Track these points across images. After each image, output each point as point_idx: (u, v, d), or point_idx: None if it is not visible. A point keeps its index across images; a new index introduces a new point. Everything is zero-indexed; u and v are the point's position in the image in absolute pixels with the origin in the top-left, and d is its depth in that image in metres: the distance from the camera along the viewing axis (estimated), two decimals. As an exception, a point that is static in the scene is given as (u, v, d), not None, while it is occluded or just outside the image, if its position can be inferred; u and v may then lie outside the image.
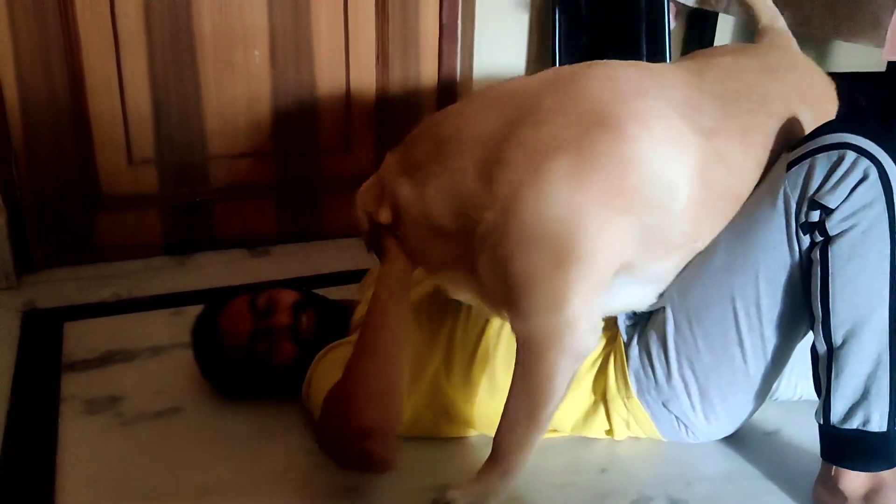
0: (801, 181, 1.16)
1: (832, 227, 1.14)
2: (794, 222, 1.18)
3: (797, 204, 1.17)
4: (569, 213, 1.09)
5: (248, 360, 1.46)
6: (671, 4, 2.37)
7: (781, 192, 1.18)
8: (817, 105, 1.37)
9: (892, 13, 1.70)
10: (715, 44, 2.51)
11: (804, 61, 1.47)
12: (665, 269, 1.28)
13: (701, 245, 1.26)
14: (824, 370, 1.19)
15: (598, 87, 1.18)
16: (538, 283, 1.11)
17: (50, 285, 2.02)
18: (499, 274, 1.13)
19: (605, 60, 1.27)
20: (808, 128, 1.28)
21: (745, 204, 1.25)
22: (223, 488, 1.32)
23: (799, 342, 1.30)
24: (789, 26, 1.56)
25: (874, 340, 1.15)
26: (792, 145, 1.21)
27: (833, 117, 1.40)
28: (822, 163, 1.14)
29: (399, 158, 1.24)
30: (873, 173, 1.12)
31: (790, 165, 1.18)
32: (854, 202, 1.13)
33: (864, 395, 1.16)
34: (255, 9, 2.09)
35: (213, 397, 1.55)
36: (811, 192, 1.15)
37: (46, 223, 2.08)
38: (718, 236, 1.25)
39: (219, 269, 2.14)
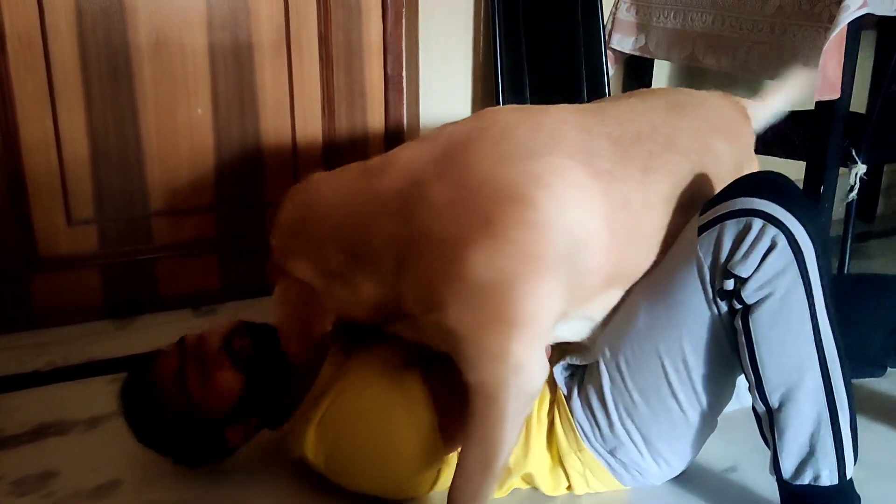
0: (711, 248, 1.15)
1: (748, 296, 1.13)
2: (711, 289, 1.17)
3: (710, 271, 1.16)
4: (496, 291, 1.12)
5: (185, 404, 1.29)
6: (609, 51, 2.43)
7: (695, 258, 1.17)
8: (734, 136, 1.39)
9: (820, 58, 1.77)
10: (651, 87, 2.59)
11: (714, 96, 1.48)
12: (595, 309, 1.29)
13: (626, 283, 1.28)
14: (768, 429, 1.21)
15: (488, 156, 1.17)
16: (481, 343, 1.14)
17: (-19, 356, 1.92)
18: (443, 340, 1.19)
19: (493, 111, 1.29)
20: (726, 161, 1.32)
21: (662, 264, 1.25)
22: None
23: (734, 384, 1.31)
24: (728, 69, 1.61)
25: (810, 401, 1.15)
26: (703, 207, 1.20)
27: (750, 151, 1.45)
28: (730, 230, 1.13)
29: (313, 261, 1.27)
30: (782, 240, 1.10)
31: (701, 230, 1.17)
32: (766, 271, 1.12)
33: (811, 453, 1.17)
34: (198, 62, 2.07)
35: (155, 469, 1.45)
36: (722, 260, 1.14)
37: (-22, 289, 1.99)
38: (639, 297, 1.25)
39: (162, 331, 2.05)
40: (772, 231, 1.10)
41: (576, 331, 1.32)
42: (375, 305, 1.23)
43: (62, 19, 1.91)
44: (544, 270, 1.13)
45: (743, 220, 1.12)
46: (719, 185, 1.25)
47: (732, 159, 1.36)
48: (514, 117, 1.25)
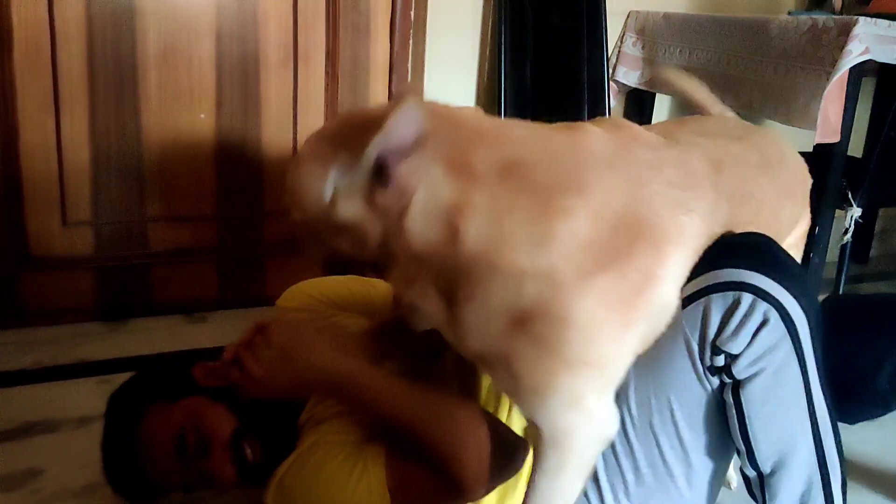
0: (698, 323, 1.08)
1: (739, 371, 1.08)
2: (700, 365, 1.11)
3: (699, 347, 1.10)
4: (587, 321, 0.98)
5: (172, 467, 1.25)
6: (612, 83, 2.46)
7: (681, 331, 1.10)
8: (797, 197, 1.31)
9: (821, 101, 1.79)
10: (652, 121, 2.61)
11: (789, 150, 1.37)
12: None
13: None
14: (758, 490, 1.17)
15: (650, 193, 1.03)
16: (544, 379, 1.01)
17: (-33, 352, 1.91)
18: (510, 376, 1.03)
19: (634, 128, 1.11)
20: (784, 229, 1.25)
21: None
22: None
23: (731, 457, 1.28)
24: (731, 107, 1.62)
25: (803, 466, 1.12)
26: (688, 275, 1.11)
27: (807, 197, 1.36)
28: (717, 304, 1.05)
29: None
30: (774, 315, 1.04)
31: (685, 301, 1.09)
32: (758, 347, 1.06)
33: None
34: (204, 71, 2.08)
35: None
36: (711, 336, 1.07)
37: (-33, 284, 1.98)
38: (629, 376, 1.15)
39: (153, 336, 2.06)
40: (763, 306, 1.04)
41: None
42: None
43: (71, 23, 1.92)
44: (632, 322, 1.01)
45: (731, 294, 1.05)
46: None
47: (792, 221, 1.29)
48: (666, 151, 1.10)
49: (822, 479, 1.12)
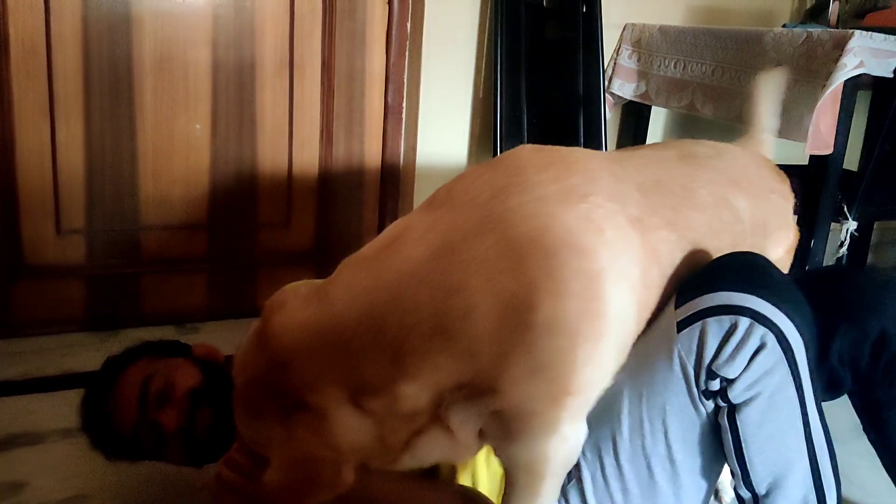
0: (694, 347, 1.06)
1: (735, 396, 1.07)
2: (696, 388, 1.10)
3: (694, 371, 1.08)
4: (559, 356, 0.96)
5: (137, 448, 1.31)
6: (607, 95, 2.46)
7: (676, 355, 1.09)
8: (755, 195, 1.27)
9: (813, 113, 1.79)
10: (648, 133, 2.62)
11: (732, 148, 1.36)
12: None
13: None
14: None
15: (530, 201, 0.99)
16: (538, 416, 0.99)
17: (-47, 361, 1.89)
18: (489, 423, 1.00)
19: (515, 154, 1.08)
20: (745, 218, 1.20)
21: (639, 361, 1.13)
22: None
23: (720, 473, 1.26)
24: (725, 119, 1.62)
25: (799, 487, 1.11)
26: (678, 294, 1.09)
27: (782, 211, 1.32)
28: (713, 329, 1.04)
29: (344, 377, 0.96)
30: (770, 339, 1.03)
31: (680, 326, 1.07)
32: (755, 371, 1.04)
33: None
34: (200, 79, 2.07)
35: (126, 483, 1.44)
36: (707, 361, 1.06)
37: (-43, 292, 1.97)
38: (619, 396, 1.15)
39: (144, 347, 2.04)
40: (760, 331, 1.02)
41: None
42: (410, 416, 0.97)
43: (67, 29, 1.92)
44: (604, 331, 0.98)
45: (727, 318, 1.03)
46: (737, 246, 1.16)
47: (753, 217, 1.23)
48: (542, 157, 1.07)
49: (816, 496, 1.11)
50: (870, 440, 1.36)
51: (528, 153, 1.08)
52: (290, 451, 0.95)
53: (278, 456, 0.97)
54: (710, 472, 1.19)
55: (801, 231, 1.92)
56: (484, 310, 0.91)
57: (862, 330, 1.25)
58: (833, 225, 2.05)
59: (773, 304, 1.03)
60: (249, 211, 2.22)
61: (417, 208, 1.07)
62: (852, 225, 2.05)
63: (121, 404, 1.30)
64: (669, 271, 1.10)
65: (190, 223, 2.17)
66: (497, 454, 1.07)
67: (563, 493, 1.25)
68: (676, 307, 1.08)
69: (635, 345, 1.09)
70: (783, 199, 1.33)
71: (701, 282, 1.07)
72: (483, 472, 1.31)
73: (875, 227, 3.09)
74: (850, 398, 1.34)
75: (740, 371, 1.04)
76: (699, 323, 1.05)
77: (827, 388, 1.30)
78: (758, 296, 1.03)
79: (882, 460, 1.36)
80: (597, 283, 0.96)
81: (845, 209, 2.03)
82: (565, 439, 1.02)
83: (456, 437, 0.99)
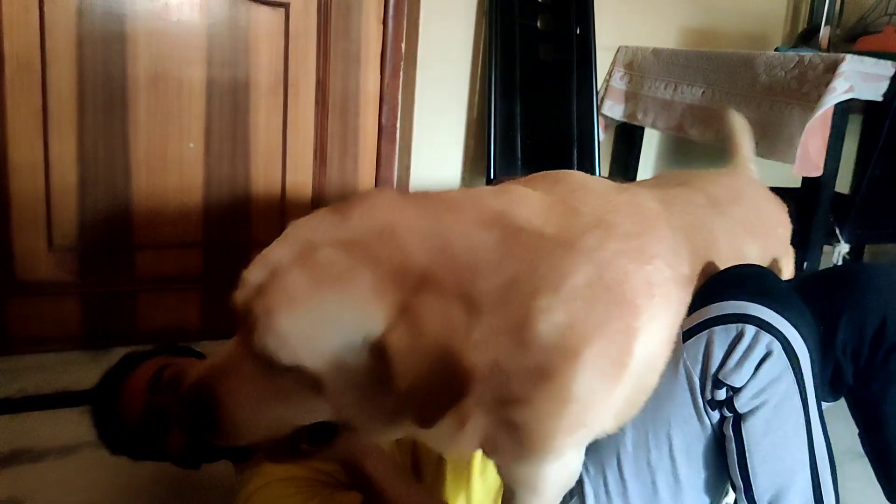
0: (700, 356, 1.08)
1: (741, 405, 1.08)
2: (701, 398, 1.11)
3: (700, 381, 1.09)
4: (583, 393, 0.99)
5: (140, 438, 1.32)
6: (601, 117, 2.48)
7: (682, 365, 1.10)
8: (766, 236, 1.32)
9: (801, 135, 1.80)
10: (641, 155, 2.63)
11: (751, 188, 1.40)
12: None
13: None
14: None
15: (622, 251, 1.02)
16: (547, 441, 1.02)
17: (-49, 379, 1.88)
18: (507, 429, 1.01)
19: (587, 181, 1.11)
20: (755, 261, 1.23)
21: None
22: None
23: (723, 494, 1.27)
24: (712, 141, 1.62)
25: (799, 498, 1.12)
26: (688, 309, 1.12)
27: (785, 241, 1.36)
28: (720, 337, 1.06)
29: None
30: (777, 347, 1.04)
31: (686, 335, 1.10)
32: (761, 379, 1.06)
33: None
34: (194, 97, 2.08)
35: (125, 499, 1.45)
36: (713, 369, 1.07)
37: (-49, 309, 1.97)
38: None
39: (137, 365, 2.03)
40: (766, 338, 1.04)
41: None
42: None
43: (62, 45, 1.93)
44: (622, 378, 1.02)
45: (734, 326, 1.05)
46: None
47: (762, 261, 1.28)
48: (621, 201, 1.09)
49: None
50: (865, 450, 1.34)
51: (605, 189, 1.11)
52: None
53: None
54: (713, 490, 1.20)
55: (794, 253, 1.94)
56: (558, 320, 0.93)
57: (864, 317, 1.24)
58: (825, 248, 2.06)
59: (778, 313, 1.04)
60: (243, 229, 2.23)
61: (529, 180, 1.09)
62: (844, 247, 2.06)
63: (133, 386, 1.33)
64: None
65: (184, 241, 2.17)
66: (499, 469, 1.09)
67: None
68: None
69: None
70: (785, 231, 1.37)
71: (707, 293, 1.10)
72: (478, 485, 1.32)
73: (866, 249, 3.10)
74: (847, 400, 1.32)
75: (747, 379, 1.05)
76: (706, 332, 1.07)
77: (830, 385, 1.30)
78: (763, 305, 1.04)
79: (876, 472, 1.34)
80: (633, 339, 1.00)
81: (837, 232, 2.04)
82: (568, 465, 1.06)
83: (464, 429, 0.97)
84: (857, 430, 1.31)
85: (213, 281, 2.22)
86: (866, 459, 1.33)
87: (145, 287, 2.15)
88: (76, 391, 1.87)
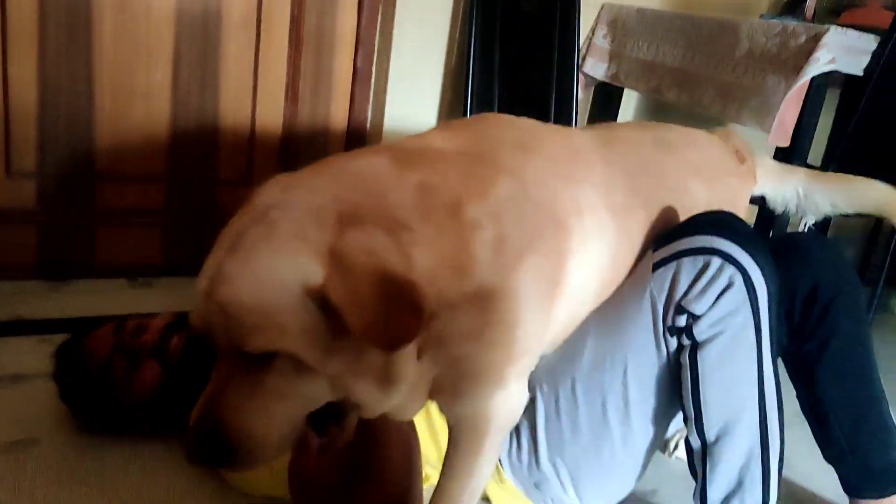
0: (667, 285, 1.15)
1: (699, 333, 1.14)
2: (661, 324, 1.17)
3: (664, 307, 1.16)
4: (519, 313, 1.00)
5: (107, 381, 1.36)
6: (581, 75, 2.44)
7: (648, 293, 1.17)
8: (715, 180, 1.37)
9: (782, 102, 1.79)
10: (619, 115, 2.61)
11: (704, 136, 1.46)
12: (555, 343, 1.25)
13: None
14: (699, 461, 1.21)
15: (546, 172, 1.07)
16: (489, 371, 1.03)
17: None
18: (449, 366, 0.99)
19: (524, 122, 1.15)
20: (700, 203, 1.28)
21: (609, 300, 1.22)
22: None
23: (669, 427, 1.31)
24: (686, 105, 1.61)
25: (746, 436, 1.17)
26: (657, 243, 1.19)
27: (738, 194, 1.42)
28: (687, 267, 1.13)
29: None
30: (738, 280, 1.11)
31: (656, 266, 1.17)
32: (720, 309, 1.12)
33: (739, 485, 1.18)
34: (163, 25, 2.01)
35: (75, 432, 1.44)
36: (677, 296, 1.14)
37: None
38: (585, 334, 1.23)
39: (95, 298, 2.01)
40: (729, 270, 1.11)
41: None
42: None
43: (23, -39, 1.84)
44: (558, 297, 1.07)
45: (701, 258, 1.12)
46: None
47: (707, 203, 1.31)
48: (549, 133, 1.17)
49: (762, 452, 1.17)
50: (804, 411, 1.40)
51: (540, 127, 1.17)
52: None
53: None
54: (661, 421, 1.25)
55: (761, 223, 1.95)
56: (489, 236, 0.94)
57: (794, 281, 1.33)
58: (793, 219, 2.07)
59: (744, 250, 1.11)
60: (209, 166, 2.18)
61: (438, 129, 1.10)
62: (811, 219, 2.07)
63: (97, 335, 1.41)
64: (638, 248, 1.21)
65: (147, 174, 2.12)
66: (443, 409, 1.09)
67: (515, 427, 1.28)
68: (654, 251, 1.17)
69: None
70: (740, 183, 1.44)
71: (680, 229, 1.17)
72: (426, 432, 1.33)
73: (832, 222, 3.13)
74: (784, 361, 1.38)
75: (708, 307, 1.12)
76: (674, 262, 1.14)
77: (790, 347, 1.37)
78: (730, 240, 1.12)
79: (813, 431, 1.40)
80: (567, 258, 1.06)
81: (805, 203, 2.05)
82: (510, 396, 1.08)
83: (421, 383, 0.96)
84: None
85: (176, 216, 2.18)
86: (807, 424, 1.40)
87: (105, 220, 2.10)
88: (32, 319, 1.85)
